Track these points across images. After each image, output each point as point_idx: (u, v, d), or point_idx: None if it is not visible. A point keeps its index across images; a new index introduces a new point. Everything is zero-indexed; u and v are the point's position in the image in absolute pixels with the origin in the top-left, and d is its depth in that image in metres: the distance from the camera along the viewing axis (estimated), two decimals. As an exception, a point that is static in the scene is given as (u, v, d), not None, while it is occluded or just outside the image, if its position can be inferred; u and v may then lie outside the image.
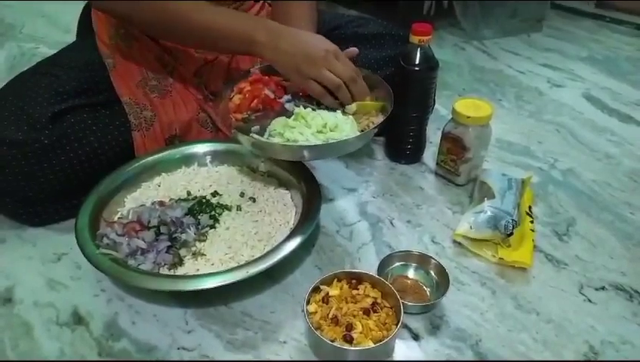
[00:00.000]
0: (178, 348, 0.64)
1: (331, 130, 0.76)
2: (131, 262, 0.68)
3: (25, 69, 0.89)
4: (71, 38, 1.04)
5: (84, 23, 0.97)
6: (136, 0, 0.77)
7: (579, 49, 1.52)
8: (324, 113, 0.78)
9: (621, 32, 1.65)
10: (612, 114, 1.19)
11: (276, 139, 0.76)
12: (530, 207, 0.85)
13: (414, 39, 0.85)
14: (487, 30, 1.58)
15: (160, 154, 0.85)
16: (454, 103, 0.87)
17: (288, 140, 0.75)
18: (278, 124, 0.78)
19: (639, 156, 1.03)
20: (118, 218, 0.75)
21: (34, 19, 1.62)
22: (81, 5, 0.99)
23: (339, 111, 0.79)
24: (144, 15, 0.79)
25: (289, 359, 0.63)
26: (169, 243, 0.70)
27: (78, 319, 0.68)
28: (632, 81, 1.33)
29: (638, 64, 1.43)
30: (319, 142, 0.74)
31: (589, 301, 0.72)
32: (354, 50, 0.83)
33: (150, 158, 0.84)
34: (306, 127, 0.76)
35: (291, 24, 0.82)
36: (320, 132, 0.76)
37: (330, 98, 0.79)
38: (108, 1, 0.80)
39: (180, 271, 0.69)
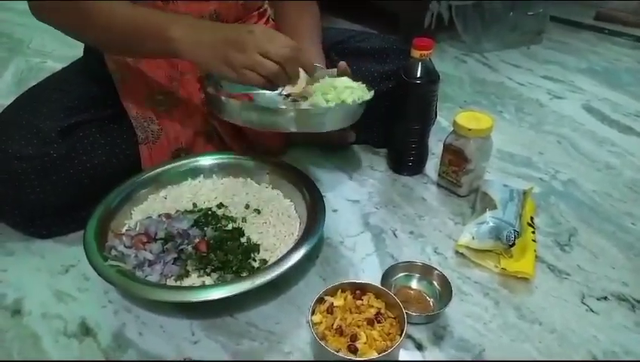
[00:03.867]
0: (184, 359, 0.65)
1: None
2: (139, 273, 0.69)
3: (32, 82, 0.91)
4: (76, 52, 1.05)
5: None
6: (60, 2, 0.73)
7: (578, 61, 1.54)
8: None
9: (620, 44, 1.67)
10: (612, 125, 1.20)
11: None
12: (531, 218, 0.86)
13: (415, 53, 0.87)
14: (487, 43, 1.60)
15: (166, 167, 0.86)
16: (455, 116, 0.88)
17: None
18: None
19: (639, 167, 1.04)
20: (126, 230, 0.76)
21: (41, 34, 1.64)
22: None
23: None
24: (68, 21, 0.76)
25: (294, 369, 0.64)
26: (175, 255, 0.71)
27: (85, 330, 0.69)
28: (631, 92, 1.35)
29: (637, 75, 1.45)
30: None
31: (592, 311, 0.72)
32: (342, 63, 0.87)
33: (157, 171, 0.86)
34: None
35: (296, 37, 0.84)
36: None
37: (271, 85, 0.72)
38: (46, 15, 0.77)
39: (187, 282, 0.70)
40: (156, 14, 0.74)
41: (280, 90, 0.77)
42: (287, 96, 0.83)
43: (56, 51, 1.54)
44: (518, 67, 1.50)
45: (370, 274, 0.77)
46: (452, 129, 0.90)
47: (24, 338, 0.68)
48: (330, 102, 0.79)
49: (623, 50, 1.62)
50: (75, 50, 1.40)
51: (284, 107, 0.76)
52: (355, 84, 0.84)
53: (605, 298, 0.74)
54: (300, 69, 0.74)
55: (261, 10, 1.00)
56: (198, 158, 0.89)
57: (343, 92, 0.80)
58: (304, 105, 0.79)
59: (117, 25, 0.74)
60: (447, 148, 0.91)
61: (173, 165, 0.87)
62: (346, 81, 0.84)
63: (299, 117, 0.75)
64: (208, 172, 0.88)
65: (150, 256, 0.69)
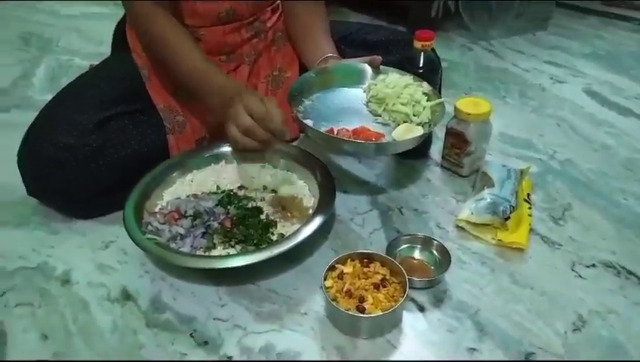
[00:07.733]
0: (214, 319, 0.74)
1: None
2: (172, 245, 0.78)
3: (63, 78, 1.00)
4: (102, 49, 1.14)
5: (119, 37, 1.07)
6: (151, 31, 0.89)
7: (583, 46, 1.58)
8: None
9: (625, 28, 1.70)
10: (611, 107, 1.25)
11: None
12: (528, 195, 0.93)
13: (418, 44, 0.93)
14: (493, 31, 1.65)
15: (192, 154, 0.95)
16: (456, 102, 0.95)
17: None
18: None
19: (635, 147, 1.10)
20: (159, 209, 0.85)
21: (68, 33, 1.75)
22: (109, 21, 1.10)
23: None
24: (150, 45, 0.92)
25: (310, 328, 0.72)
26: (204, 230, 0.80)
27: (126, 296, 0.78)
28: (632, 75, 1.39)
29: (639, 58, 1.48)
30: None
31: (580, 276, 0.79)
32: (378, 58, 0.95)
33: (183, 158, 0.94)
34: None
35: (308, 32, 0.91)
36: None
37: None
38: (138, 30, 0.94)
39: (214, 253, 0.79)
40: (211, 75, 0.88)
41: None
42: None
43: (83, 49, 1.63)
44: (523, 53, 1.55)
45: (378, 246, 0.84)
46: (454, 114, 0.97)
47: (74, 303, 0.77)
48: (407, 105, 0.91)
49: (627, 34, 1.65)
50: (100, 47, 1.51)
51: (362, 141, 0.87)
52: (408, 79, 0.93)
53: (594, 265, 0.81)
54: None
55: (274, 5, 1.08)
56: (219, 145, 0.97)
57: (414, 92, 0.91)
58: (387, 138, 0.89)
59: (186, 77, 0.90)
60: (449, 131, 0.98)
61: (197, 152, 0.96)
62: (401, 78, 0.93)
63: (378, 147, 0.90)
64: (229, 158, 0.97)
65: (182, 230, 0.79)
